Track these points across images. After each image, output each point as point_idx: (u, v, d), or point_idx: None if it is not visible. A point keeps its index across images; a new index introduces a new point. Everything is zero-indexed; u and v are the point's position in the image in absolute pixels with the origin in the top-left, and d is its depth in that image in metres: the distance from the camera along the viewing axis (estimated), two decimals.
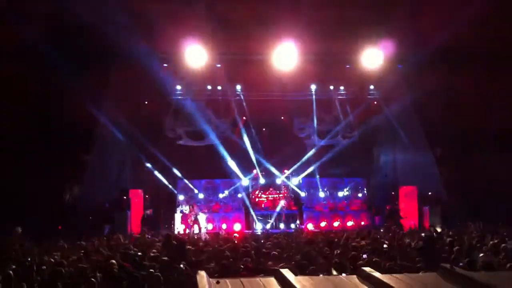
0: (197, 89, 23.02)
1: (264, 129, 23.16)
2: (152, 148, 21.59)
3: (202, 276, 4.35)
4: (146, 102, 22.62)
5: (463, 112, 18.29)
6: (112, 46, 18.31)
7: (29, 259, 9.66)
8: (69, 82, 17.24)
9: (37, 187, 17.39)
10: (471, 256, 9.65)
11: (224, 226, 21.49)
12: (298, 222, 21.82)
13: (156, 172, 21.78)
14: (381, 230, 17.57)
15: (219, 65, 21.56)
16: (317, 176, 23.31)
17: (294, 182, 23.33)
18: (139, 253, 10.58)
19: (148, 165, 21.54)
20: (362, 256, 10.12)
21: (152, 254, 10.73)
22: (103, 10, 17.06)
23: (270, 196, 22.73)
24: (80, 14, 15.93)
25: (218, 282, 4.22)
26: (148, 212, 19.91)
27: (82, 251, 11.18)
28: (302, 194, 23.25)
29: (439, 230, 16.14)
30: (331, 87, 23.43)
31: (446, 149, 20.69)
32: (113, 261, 9.12)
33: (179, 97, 22.99)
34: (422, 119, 21.09)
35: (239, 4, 19.31)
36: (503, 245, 10.46)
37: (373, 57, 21.30)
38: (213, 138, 23.36)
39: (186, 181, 22.61)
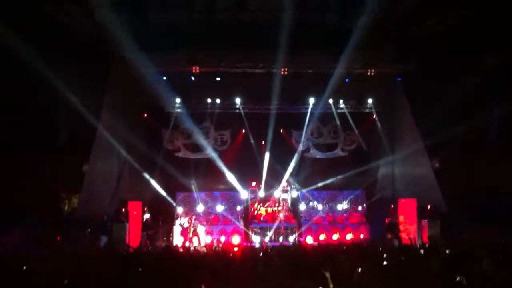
0: (196, 101, 23.09)
1: (263, 142, 23.14)
2: (151, 160, 21.72)
3: None
4: (146, 115, 22.66)
5: (463, 123, 18.30)
6: (111, 58, 18.46)
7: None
8: (67, 92, 17.31)
9: (36, 198, 17.35)
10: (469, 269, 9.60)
11: (222, 238, 21.47)
12: (296, 235, 21.73)
13: (154, 184, 21.67)
14: (380, 244, 17.49)
15: (218, 78, 21.67)
16: (316, 189, 23.25)
17: (293, 194, 23.26)
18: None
19: (146, 175, 21.46)
20: (359, 269, 10.05)
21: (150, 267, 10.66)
22: (104, 20, 17.27)
23: (269, 208, 22.64)
24: (81, 23, 16.11)
25: None
26: (146, 216, 19.82)
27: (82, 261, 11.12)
28: (301, 207, 23.15)
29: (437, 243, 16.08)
30: (330, 100, 23.45)
31: (445, 161, 20.66)
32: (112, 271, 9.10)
33: (178, 109, 23.03)
34: (421, 132, 21.13)
35: (238, 18, 19.54)
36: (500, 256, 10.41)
37: (372, 70, 21.50)
38: (212, 151, 23.43)
39: (192, 192, 22.54)
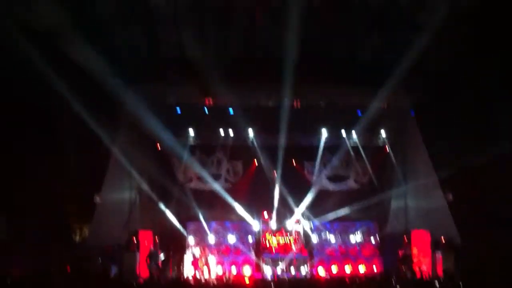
0: (209, 133, 23.25)
1: (275, 173, 23.12)
2: (163, 189, 21.81)
3: None
4: (158, 145, 22.82)
5: (476, 154, 18.17)
6: (125, 87, 18.71)
7: None
8: (81, 120, 17.51)
9: (47, 228, 17.38)
10: None
11: (233, 269, 21.35)
12: (308, 266, 21.51)
13: (165, 213, 21.74)
14: (393, 277, 17.26)
15: (231, 109, 21.86)
16: (328, 220, 23.09)
17: (305, 226, 23.09)
18: None
19: (161, 205, 21.55)
20: None
21: None
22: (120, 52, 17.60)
23: (281, 240, 22.48)
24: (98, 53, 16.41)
25: None
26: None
27: None
28: (313, 238, 22.97)
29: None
30: (343, 132, 23.47)
31: (459, 192, 20.46)
32: None
33: (191, 140, 23.18)
34: (434, 163, 21.02)
35: (251, 52, 19.78)
36: None
37: (385, 102, 21.56)
38: (224, 182, 23.49)
39: (203, 222, 22.55)
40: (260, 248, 22.37)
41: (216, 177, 23.52)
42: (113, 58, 17.94)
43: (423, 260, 20.03)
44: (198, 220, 22.49)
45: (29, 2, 14.77)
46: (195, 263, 20.82)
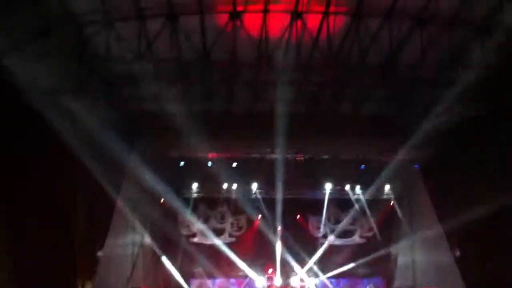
0: (213, 187, 23.21)
1: (279, 228, 22.91)
2: (167, 244, 21.56)
3: None
4: (162, 200, 22.70)
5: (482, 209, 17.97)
6: (129, 141, 18.76)
7: None
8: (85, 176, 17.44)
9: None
10: None
11: None
12: None
13: (170, 269, 21.44)
14: None
15: (235, 164, 21.86)
16: (335, 277, 22.69)
17: (311, 282, 22.66)
18: None
19: (165, 261, 21.26)
20: None
21: None
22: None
23: None
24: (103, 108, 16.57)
25: None
26: None
27: None
28: None
29: None
30: (347, 187, 23.41)
31: (466, 249, 20.14)
32: None
33: (195, 194, 23.10)
34: (441, 218, 20.80)
35: (256, 106, 19.95)
36: None
37: (389, 156, 21.55)
38: (228, 237, 23.28)
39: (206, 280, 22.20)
40: None
41: (220, 232, 23.40)
42: (117, 113, 18.17)
43: None
44: (201, 276, 22.14)
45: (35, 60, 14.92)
46: None
